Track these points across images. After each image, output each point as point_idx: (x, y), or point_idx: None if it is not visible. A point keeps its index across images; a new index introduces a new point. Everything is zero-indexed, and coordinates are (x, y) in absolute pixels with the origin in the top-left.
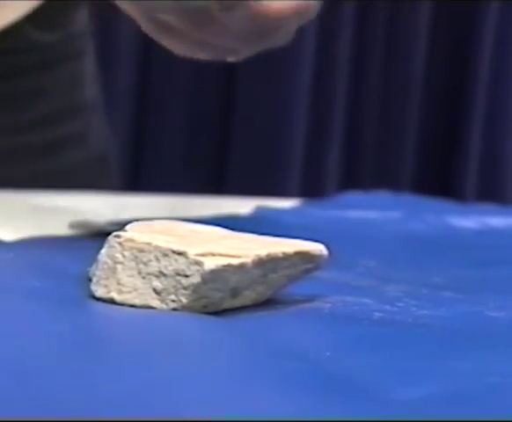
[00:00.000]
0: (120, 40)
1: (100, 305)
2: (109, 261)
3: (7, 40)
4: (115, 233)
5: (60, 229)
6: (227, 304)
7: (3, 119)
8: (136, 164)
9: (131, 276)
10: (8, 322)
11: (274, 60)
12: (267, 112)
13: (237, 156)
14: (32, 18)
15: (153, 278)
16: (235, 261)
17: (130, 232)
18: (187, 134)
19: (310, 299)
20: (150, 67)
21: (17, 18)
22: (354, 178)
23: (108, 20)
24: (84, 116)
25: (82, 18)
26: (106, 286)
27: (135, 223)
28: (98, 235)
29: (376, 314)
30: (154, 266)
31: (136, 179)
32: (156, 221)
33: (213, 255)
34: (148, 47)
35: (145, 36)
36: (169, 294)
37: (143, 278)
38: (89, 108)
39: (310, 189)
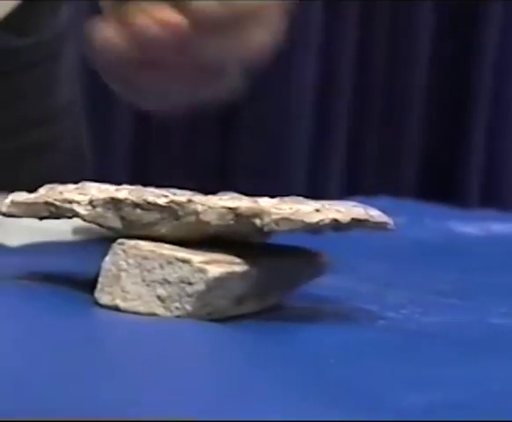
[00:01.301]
0: None
1: (104, 312)
2: (113, 268)
3: None
4: (119, 240)
5: (64, 234)
6: (231, 311)
7: None
8: (138, 164)
9: (135, 283)
10: (12, 327)
11: (278, 64)
12: (271, 117)
13: (240, 161)
14: (6, 23)
15: (157, 285)
16: (239, 268)
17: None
18: (191, 138)
19: (314, 305)
20: None
21: None
22: (356, 184)
23: None
24: (56, 121)
25: (58, 22)
26: (110, 293)
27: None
28: (101, 240)
29: (380, 320)
30: (158, 274)
31: (138, 178)
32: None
33: (217, 262)
34: None
35: None
36: (173, 301)
37: (148, 285)
38: (63, 112)
39: (313, 194)
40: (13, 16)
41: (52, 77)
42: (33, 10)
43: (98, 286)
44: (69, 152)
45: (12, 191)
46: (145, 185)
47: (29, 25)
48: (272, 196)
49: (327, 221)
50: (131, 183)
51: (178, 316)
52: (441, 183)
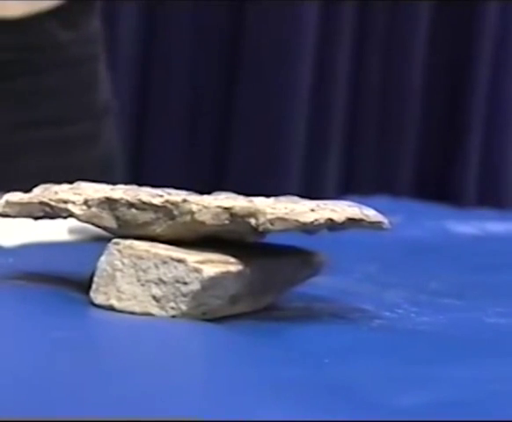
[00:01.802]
0: (120, 37)
1: (100, 312)
2: (108, 268)
3: (31, 36)
4: (114, 240)
5: (59, 234)
6: (226, 311)
7: (21, 114)
8: (136, 162)
9: (130, 283)
10: (8, 328)
11: (274, 63)
12: (268, 116)
13: (236, 162)
14: (55, 16)
15: (152, 285)
16: (234, 268)
17: (130, 241)
18: (188, 136)
19: (310, 305)
20: (152, 66)
21: (53, 6)
22: (353, 183)
23: (109, 18)
24: (97, 117)
25: (96, 24)
26: (105, 293)
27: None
28: (97, 240)
29: (376, 320)
30: (153, 274)
31: (136, 177)
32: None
33: (212, 262)
34: (149, 45)
35: (147, 33)
36: (168, 301)
37: (143, 285)
38: (101, 111)
39: (310, 193)
40: (60, 10)
41: (93, 76)
42: (77, 6)
43: (94, 286)
44: (106, 151)
45: (49, 180)
46: (141, 185)
47: (73, 20)
48: (267, 196)
49: (322, 220)
50: (126, 183)
51: (173, 316)
52: (438, 183)
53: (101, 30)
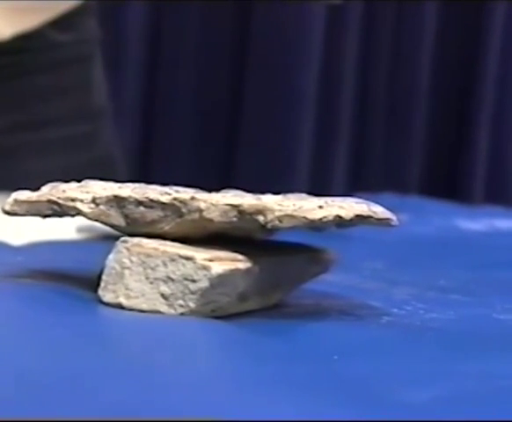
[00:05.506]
0: (127, 41)
1: (108, 310)
2: (117, 266)
3: (25, 38)
4: (123, 238)
5: (67, 232)
6: (235, 308)
7: (19, 115)
8: (144, 163)
9: (139, 281)
10: (15, 326)
11: (281, 61)
12: (275, 113)
13: (243, 159)
14: (52, 20)
15: (161, 283)
16: (242, 265)
17: (137, 238)
18: (195, 135)
19: (318, 302)
20: (159, 68)
21: (42, 22)
22: (360, 180)
23: (115, 21)
24: (93, 118)
25: (92, 25)
26: (113, 291)
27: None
28: (105, 238)
29: (384, 317)
30: (161, 271)
31: (144, 178)
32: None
33: (221, 259)
34: (156, 45)
35: (153, 35)
36: (177, 298)
37: (151, 283)
38: (98, 111)
39: (317, 191)
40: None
41: (89, 77)
42: (72, 8)
43: (102, 284)
44: (103, 153)
45: (47, 181)
46: (149, 183)
47: (69, 21)
48: (275, 193)
49: (330, 217)
50: (134, 181)
51: (181, 314)
52: (445, 179)
53: (97, 31)
